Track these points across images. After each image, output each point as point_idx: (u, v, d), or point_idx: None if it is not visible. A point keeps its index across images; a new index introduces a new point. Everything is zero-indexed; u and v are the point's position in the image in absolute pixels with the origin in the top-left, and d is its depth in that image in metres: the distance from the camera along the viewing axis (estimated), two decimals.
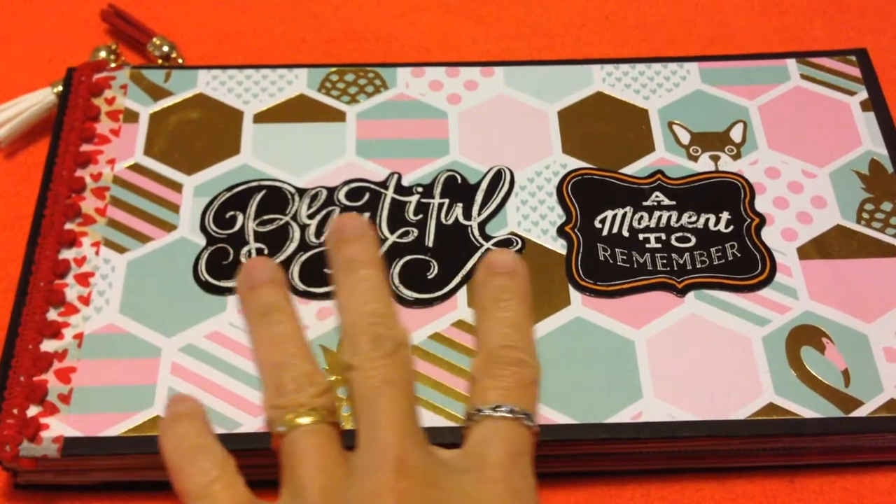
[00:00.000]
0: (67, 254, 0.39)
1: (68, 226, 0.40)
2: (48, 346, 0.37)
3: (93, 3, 0.51)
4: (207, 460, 0.31)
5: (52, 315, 0.38)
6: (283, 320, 0.35)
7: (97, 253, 0.40)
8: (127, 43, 0.50)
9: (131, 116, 0.44)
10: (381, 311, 0.34)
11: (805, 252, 0.40)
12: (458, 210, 0.41)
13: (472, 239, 0.40)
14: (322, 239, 0.40)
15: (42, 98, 0.46)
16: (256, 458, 0.35)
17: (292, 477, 0.31)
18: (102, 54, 0.47)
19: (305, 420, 0.31)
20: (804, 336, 0.38)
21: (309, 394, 0.32)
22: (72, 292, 0.38)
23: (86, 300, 0.38)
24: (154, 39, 0.48)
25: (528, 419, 0.32)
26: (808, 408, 0.36)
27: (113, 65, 0.46)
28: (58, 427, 0.35)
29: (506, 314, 0.34)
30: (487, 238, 0.40)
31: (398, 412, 0.31)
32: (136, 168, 0.42)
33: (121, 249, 0.40)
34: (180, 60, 0.48)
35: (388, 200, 0.41)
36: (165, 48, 0.48)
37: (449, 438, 0.35)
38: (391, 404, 0.31)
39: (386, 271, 0.35)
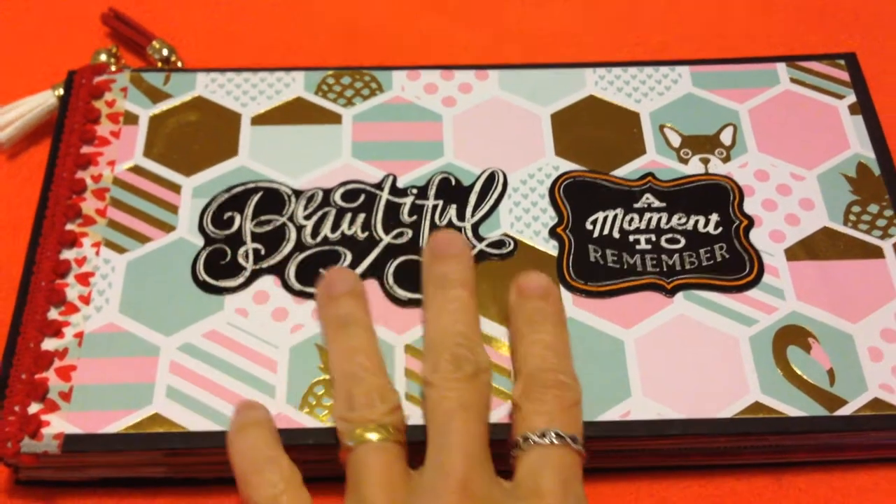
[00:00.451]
0: (68, 254, 0.40)
1: (69, 226, 0.41)
2: (49, 344, 0.38)
3: (93, 7, 0.52)
4: (275, 472, 0.32)
5: (53, 314, 0.39)
6: (359, 333, 0.35)
7: (97, 253, 0.40)
8: (127, 46, 0.51)
9: (131, 119, 0.44)
10: (467, 334, 0.34)
11: (792, 253, 0.41)
12: (452, 211, 0.42)
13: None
14: (319, 239, 0.41)
15: (43, 100, 0.47)
16: None
17: (356, 493, 0.31)
18: (103, 57, 0.48)
19: (373, 436, 0.31)
20: (790, 336, 0.38)
21: (379, 410, 0.32)
22: (72, 292, 0.39)
23: (86, 299, 0.39)
24: (154, 42, 0.49)
25: (576, 442, 0.32)
26: (793, 406, 0.37)
27: (113, 67, 0.47)
28: (58, 424, 0.36)
29: (541, 336, 0.34)
30: (481, 239, 0.41)
31: (469, 438, 0.31)
32: (136, 170, 0.43)
33: (120, 250, 0.40)
34: (180, 63, 0.49)
35: (383, 202, 0.42)
36: (165, 51, 0.49)
37: None
38: (463, 429, 0.31)
39: (477, 295, 0.35)
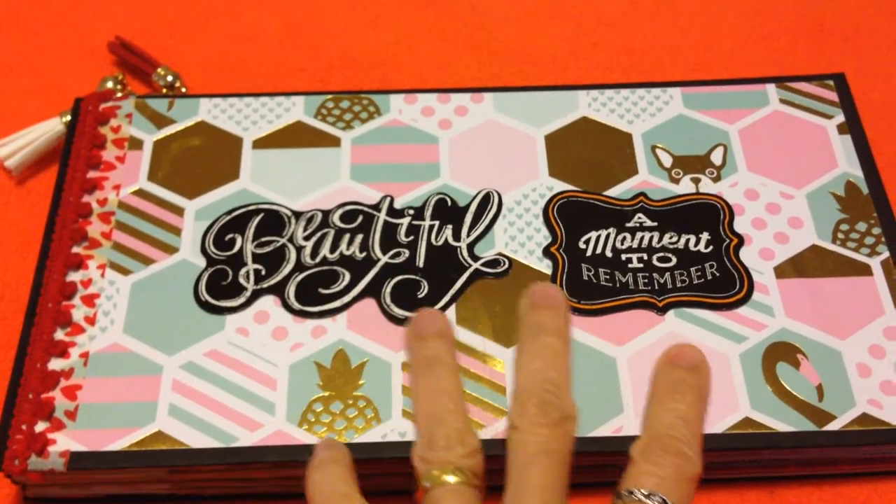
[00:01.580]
0: (74, 276, 0.41)
1: (75, 249, 0.42)
2: (55, 364, 0.39)
3: (100, 36, 0.54)
4: None
5: (60, 335, 0.40)
6: (445, 374, 0.34)
7: (103, 275, 0.41)
8: (133, 73, 0.52)
9: (136, 144, 0.46)
10: (556, 381, 0.34)
11: (782, 271, 0.41)
12: (448, 231, 0.43)
13: (461, 259, 0.42)
14: (318, 260, 0.42)
15: (51, 127, 0.48)
16: (250, 471, 0.37)
17: None
18: (109, 84, 0.49)
19: (451, 479, 0.31)
20: (780, 352, 0.39)
21: (458, 453, 0.32)
22: (78, 313, 0.40)
23: (91, 320, 0.40)
24: (159, 70, 0.50)
25: None
26: (782, 422, 0.37)
27: (119, 94, 0.48)
28: (64, 442, 0.37)
29: (679, 406, 0.33)
30: (476, 259, 0.42)
31: (546, 485, 0.31)
32: (140, 193, 0.44)
33: (125, 271, 0.42)
34: (184, 89, 0.51)
35: (380, 222, 0.43)
36: (170, 77, 0.50)
37: None
38: (542, 476, 0.31)
39: (570, 347, 0.35)
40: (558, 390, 0.34)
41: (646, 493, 0.31)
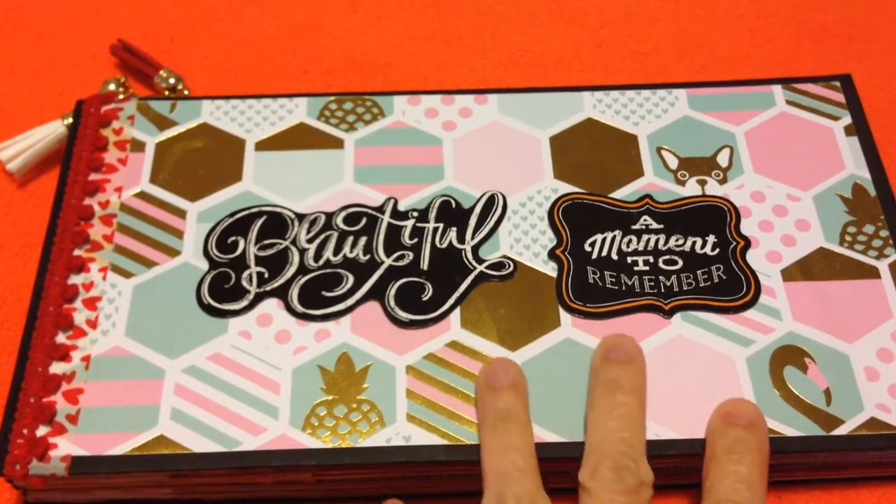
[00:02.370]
0: (76, 279, 0.41)
1: (77, 252, 0.42)
2: (57, 368, 0.39)
3: (103, 38, 0.53)
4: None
5: (61, 338, 0.39)
6: (516, 430, 0.34)
7: (104, 278, 0.41)
8: (135, 76, 0.52)
9: (138, 146, 0.45)
10: (632, 443, 0.33)
11: (789, 274, 0.41)
12: (453, 234, 0.43)
13: (466, 262, 0.42)
14: (321, 262, 0.42)
15: (53, 130, 0.48)
16: (253, 476, 0.37)
17: None
18: (112, 87, 0.49)
19: None
20: (787, 356, 0.39)
21: None
22: (80, 316, 0.40)
23: (93, 324, 0.40)
24: (161, 72, 0.50)
25: None
26: (790, 426, 0.37)
27: (121, 96, 0.48)
28: (66, 446, 0.37)
29: (739, 468, 0.33)
30: (480, 261, 0.42)
31: None
32: (143, 196, 0.44)
33: (127, 274, 0.41)
34: (186, 92, 0.50)
35: (384, 225, 0.43)
36: (172, 80, 0.50)
37: (443, 457, 0.36)
38: None
39: (646, 406, 0.34)
40: (635, 453, 0.33)
41: None
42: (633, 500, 0.31)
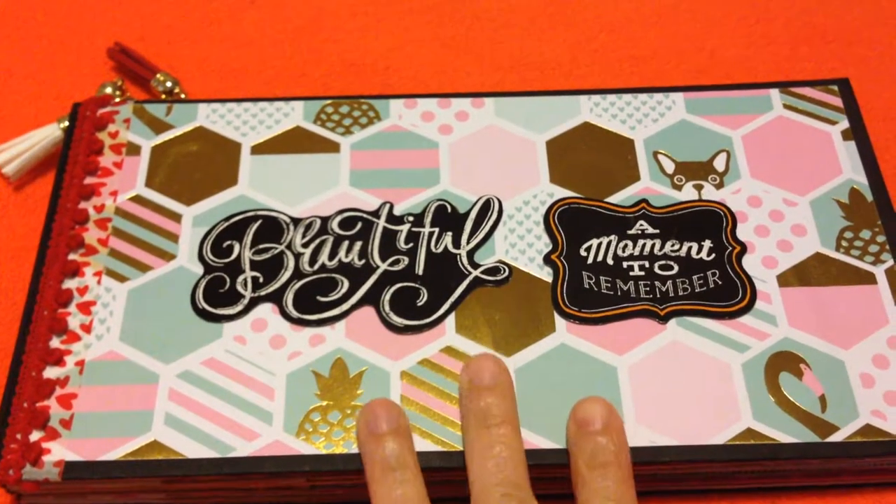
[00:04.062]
0: (70, 283, 0.41)
1: (71, 256, 0.42)
2: (51, 372, 0.38)
3: (100, 41, 0.53)
4: None
5: (55, 343, 0.39)
6: (407, 479, 0.33)
7: (99, 282, 0.41)
8: (132, 79, 0.52)
9: (133, 149, 0.45)
10: (515, 482, 0.33)
11: (785, 279, 0.41)
12: (448, 238, 0.43)
13: (461, 267, 0.42)
14: (316, 267, 0.42)
15: (49, 133, 0.48)
16: (247, 482, 0.36)
17: None
18: (108, 90, 0.49)
19: None
20: (783, 362, 0.39)
21: None
22: (74, 320, 0.40)
23: (87, 328, 0.40)
24: (158, 75, 0.50)
25: None
26: (785, 433, 0.37)
27: (117, 100, 0.48)
28: (59, 451, 0.37)
29: (606, 484, 0.33)
30: (476, 266, 0.42)
31: None
32: (138, 199, 0.44)
33: (121, 279, 0.41)
34: (183, 95, 0.50)
35: (379, 229, 0.43)
36: (169, 83, 0.50)
37: (437, 463, 0.36)
38: None
39: (519, 427, 0.34)
40: (518, 491, 0.33)
41: None
42: None
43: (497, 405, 0.35)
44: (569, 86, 0.52)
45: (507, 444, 0.34)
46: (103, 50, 0.53)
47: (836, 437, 0.37)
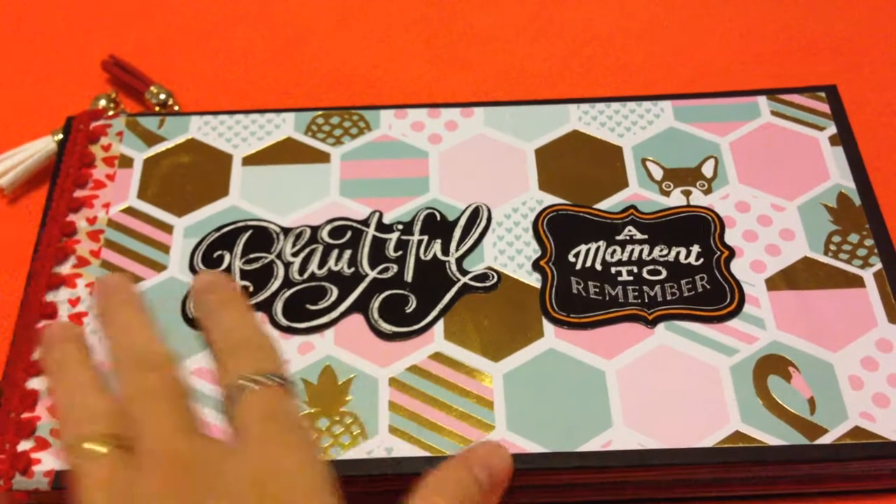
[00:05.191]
0: (59, 295, 0.41)
1: (61, 269, 0.42)
2: (35, 383, 0.39)
3: (94, 55, 0.54)
4: None
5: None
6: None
7: (91, 293, 0.41)
8: (127, 91, 0.52)
9: (126, 162, 0.46)
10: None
11: (773, 283, 0.41)
12: (437, 246, 0.43)
13: (450, 274, 0.42)
14: (306, 276, 0.42)
15: (43, 146, 0.48)
16: None
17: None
18: (102, 102, 0.50)
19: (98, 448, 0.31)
20: (771, 365, 0.39)
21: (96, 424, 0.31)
22: None
23: None
24: (152, 88, 0.51)
25: (275, 378, 0.32)
26: (773, 435, 0.37)
27: (111, 112, 0.48)
28: (49, 461, 0.37)
29: (222, 322, 0.35)
30: (465, 273, 0.42)
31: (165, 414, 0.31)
32: (130, 211, 0.44)
33: None
34: (177, 108, 0.51)
35: (369, 237, 0.43)
36: (162, 95, 0.51)
37: (425, 468, 0.36)
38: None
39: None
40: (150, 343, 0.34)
41: (239, 381, 0.32)
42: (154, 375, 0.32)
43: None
44: (556, 96, 0.52)
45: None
46: (97, 63, 0.53)
47: (825, 440, 0.37)
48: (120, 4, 0.57)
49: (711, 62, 0.54)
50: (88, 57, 0.54)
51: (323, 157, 0.46)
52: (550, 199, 0.44)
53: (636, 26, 0.56)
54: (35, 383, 0.39)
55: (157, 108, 0.51)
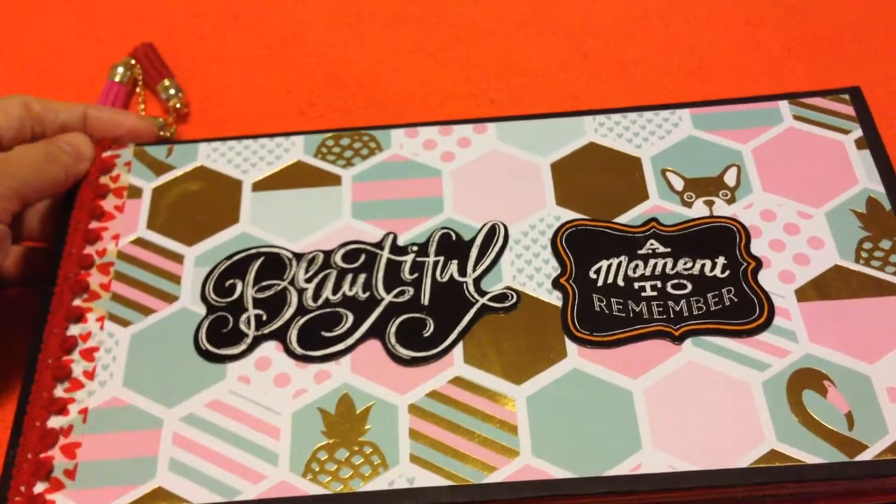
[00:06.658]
0: (74, 329, 0.40)
1: (76, 302, 0.41)
2: (54, 422, 0.38)
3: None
4: None
5: (59, 391, 0.39)
6: None
7: (102, 327, 0.40)
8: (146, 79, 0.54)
9: (135, 192, 0.45)
10: None
11: (803, 294, 0.40)
12: (454, 267, 0.42)
13: (468, 295, 0.41)
14: (320, 302, 0.41)
15: None
16: None
17: None
18: (120, 70, 0.53)
19: None
20: (805, 380, 0.37)
21: None
22: (77, 367, 0.39)
23: (91, 375, 0.39)
24: (164, 80, 0.52)
25: None
26: (811, 453, 0.35)
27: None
28: (63, 502, 0.36)
29: None
30: (482, 294, 0.41)
31: None
32: (140, 242, 0.43)
33: (124, 323, 0.41)
34: (178, 105, 0.52)
35: (383, 261, 0.42)
36: (172, 90, 0.52)
37: (447, 498, 0.35)
38: None
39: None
40: None
41: None
42: None
43: None
44: (556, 92, 0.51)
45: None
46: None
47: (866, 456, 0.35)
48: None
49: (713, 55, 0.53)
50: (85, 70, 0.55)
51: (334, 180, 0.45)
52: (568, 215, 0.43)
53: (635, 20, 0.55)
54: (54, 422, 0.38)
55: (163, 98, 0.52)
